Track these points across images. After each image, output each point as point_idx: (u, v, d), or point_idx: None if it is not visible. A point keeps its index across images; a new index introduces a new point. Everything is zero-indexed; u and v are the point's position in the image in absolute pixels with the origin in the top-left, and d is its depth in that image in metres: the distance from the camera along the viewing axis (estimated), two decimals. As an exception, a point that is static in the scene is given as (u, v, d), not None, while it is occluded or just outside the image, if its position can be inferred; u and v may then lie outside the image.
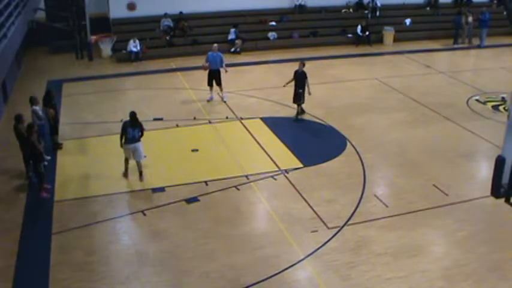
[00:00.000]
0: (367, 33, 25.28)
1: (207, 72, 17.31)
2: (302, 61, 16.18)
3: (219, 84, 17.34)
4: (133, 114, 12.02)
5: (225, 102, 17.23)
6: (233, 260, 9.44)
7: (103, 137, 14.59)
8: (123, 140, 12.02)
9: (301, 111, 15.97)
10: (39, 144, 11.54)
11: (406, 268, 9.23)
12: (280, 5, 26.55)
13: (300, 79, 15.53)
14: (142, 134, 12.13)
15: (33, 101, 13.13)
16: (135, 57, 22.22)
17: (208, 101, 17.38)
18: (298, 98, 15.59)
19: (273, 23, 25.63)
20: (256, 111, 16.56)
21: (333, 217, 10.75)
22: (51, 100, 13.81)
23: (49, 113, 13.48)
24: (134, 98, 17.52)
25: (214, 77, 17.28)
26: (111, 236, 10.29)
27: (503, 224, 10.54)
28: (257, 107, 17.07)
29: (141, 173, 12.28)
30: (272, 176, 12.48)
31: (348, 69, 21.55)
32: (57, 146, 13.85)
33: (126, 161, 12.35)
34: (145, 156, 12.46)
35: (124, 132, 11.97)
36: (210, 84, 17.33)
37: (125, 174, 12.44)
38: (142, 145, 12.16)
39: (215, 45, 17.49)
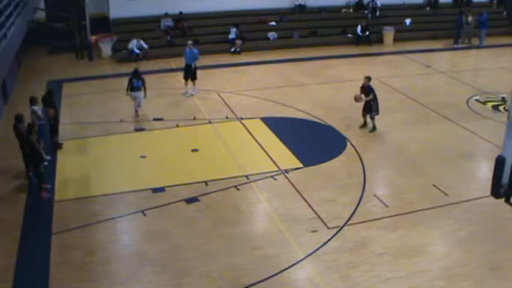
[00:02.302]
0: (367, 33, 25.25)
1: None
2: (367, 77, 15.01)
3: (194, 78, 18.12)
4: (136, 69, 16.10)
5: (191, 95, 17.92)
6: (233, 260, 9.44)
7: (103, 137, 14.59)
8: (129, 89, 15.70)
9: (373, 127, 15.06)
10: (39, 145, 11.52)
11: (406, 268, 9.23)
12: (280, 5, 26.56)
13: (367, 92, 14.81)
14: (145, 87, 15.85)
15: (32, 101, 13.13)
16: (135, 57, 22.21)
17: (186, 96, 17.98)
18: (367, 109, 14.93)
19: (273, 23, 25.62)
20: (256, 111, 16.56)
21: (333, 217, 10.75)
22: (52, 100, 13.82)
23: (49, 112, 13.48)
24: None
25: (191, 72, 18.07)
26: (111, 236, 10.29)
27: (503, 224, 10.53)
28: (257, 107, 17.07)
29: (136, 111, 15.93)
30: (272, 176, 12.48)
31: (348, 69, 21.51)
32: (57, 146, 13.85)
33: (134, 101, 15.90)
34: (144, 156, 12.63)
35: (130, 82, 15.67)
36: (186, 78, 18.13)
37: (136, 112, 15.93)
38: (142, 94, 15.87)
39: (189, 41, 18.62)
